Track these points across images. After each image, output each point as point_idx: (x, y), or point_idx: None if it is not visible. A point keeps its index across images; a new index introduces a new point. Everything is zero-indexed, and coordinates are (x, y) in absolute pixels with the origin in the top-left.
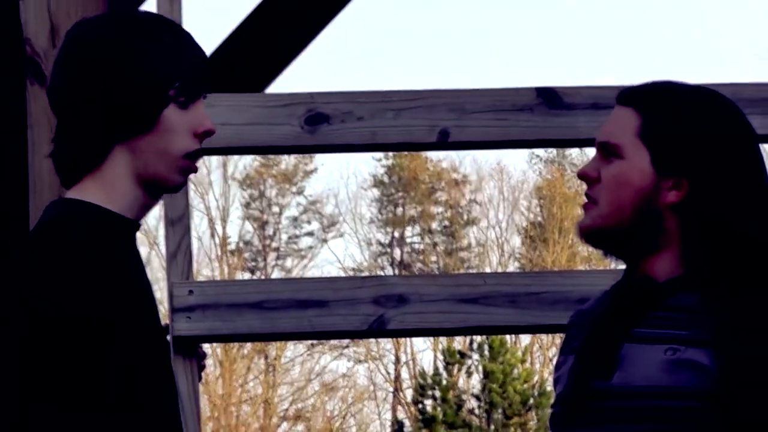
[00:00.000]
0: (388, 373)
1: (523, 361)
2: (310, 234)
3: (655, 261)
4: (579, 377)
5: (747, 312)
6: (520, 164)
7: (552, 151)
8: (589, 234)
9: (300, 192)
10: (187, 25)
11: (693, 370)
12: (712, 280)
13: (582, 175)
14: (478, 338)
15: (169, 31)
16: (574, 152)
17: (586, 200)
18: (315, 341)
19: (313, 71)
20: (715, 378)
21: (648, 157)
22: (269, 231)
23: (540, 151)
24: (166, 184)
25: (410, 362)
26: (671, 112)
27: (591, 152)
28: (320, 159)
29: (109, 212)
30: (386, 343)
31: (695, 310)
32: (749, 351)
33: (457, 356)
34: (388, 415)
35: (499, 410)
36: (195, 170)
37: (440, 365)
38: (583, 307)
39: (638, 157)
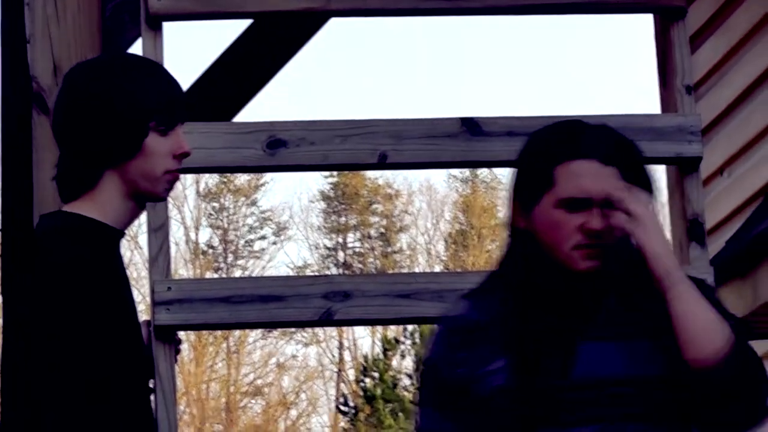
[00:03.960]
0: (333, 356)
1: None
2: (264, 238)
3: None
4: (537, 374)
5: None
6: (442, 182)
7: (466, 172)
8: (594, 274)
9: (253, 203)
10: (167, 64)
11: (643, 358)
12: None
13: (598, 231)
14: (410, 327)
15: (150, 70)
16: (484, 172)
17: (595, 248)
18: (272, 329)
19: (273, 103)
20: (661, 363)
21: None
22: (230, 237)
23: (456, 172)
24: (153, 196)
25: (352, 347)
26: (635, 167)
27: (501, 171)
28: (270, 176)
29: (99, 222)
30: (332, 331)
31: (636, 304)
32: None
33: (393, 342)
34: (333, 392)
35: None
36: (177, 179)
37: (378, 350)
38: (464, 313)
39: None
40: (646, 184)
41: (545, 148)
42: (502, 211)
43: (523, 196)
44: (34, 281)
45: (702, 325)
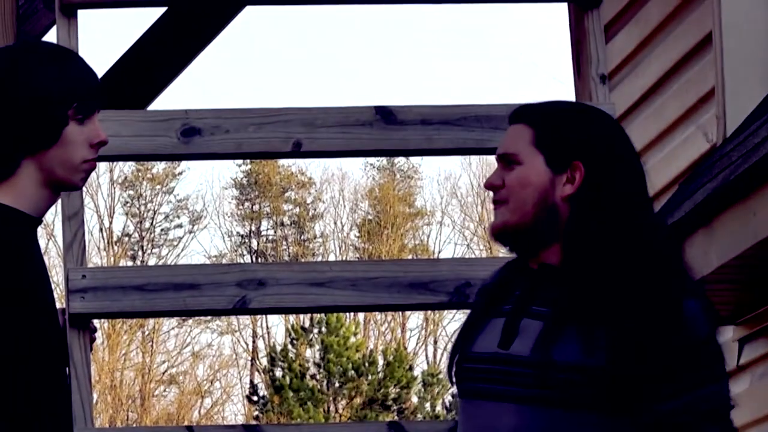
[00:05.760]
0: (247, 345)
1: (355, 334)
2: (180, 227)
3: (550, 251)
4: (482, 342)
5: (609, 294)
6: (358, 170)
7: (383, 160)
8: (500, 232)
9: (170, 192)
10: (82, 52)
11: (570, 345)
12: (589, 266)
13: (489, 185)
14: (317, 315)
15: (66, 59)
16: (401, 160)
17: (495, 204)
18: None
19: (187, 91)
20: (588, 352)
21: (543, 160)
22: (146, 225)
23: (373, 160)
24: (70, 185)
25: (265, 335)
26: (557, 121)
27: (417, 160)
28: (186, 165)
29: (16, 210)
30: (245, 319)
31: (577, 292)
32: (613, 330)
33: (301, 331)
34: (248, 380)
35: (336, 376)
36: (94, 168)
37: (285, 340)
38: (485, 283)
39: (534, 161)
40: (563, 149)
41: None
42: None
43: None
44: None
45: None
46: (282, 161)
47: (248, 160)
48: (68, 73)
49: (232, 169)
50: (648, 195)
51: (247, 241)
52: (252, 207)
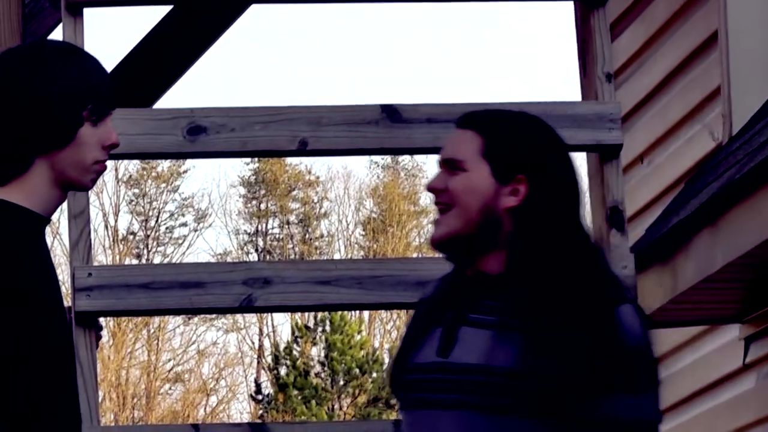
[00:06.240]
0: (253, 343)
1: (359, 332)
2: (185, 225)
3: (487, 259)
4: (422, 353)
5: (549, 301)
6: (363, 168)
7: (387, 158)
8: (444, 241)
9: (174, 190)
10: (88, 50)
11: (510, 352)
12: (531, 275)
13: (431, 188)
14: (320, 314)
15: (81, 59)
16: (405, 159)
17: (438, 207)
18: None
19: (193, 90)
20: (525, 359)
21: (488, 170)
22: (151, 223)
23: (378, 158)
24: (80, 185)
25: (271, 334)
26: (505, 133)
27: (422, 158)
28: (191, 163)
29: (25, 209)
30: (251, 317)
31: (516, 300)
32: (546, 335)
33: (305, 329)
34: (253, 378)
35: (340, 375)
36: (105, 169)
37: (290, 338)
38: (425, 294)
39: (480, 169)
40: (509, 162)
41: None
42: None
43: None
44: None
45: None
46: (289, 160)
47: (256, 159)
48: (85, 73)
49: (237, 168)
50: (579, 208)
51: (254, 239)
52: (259, 205)
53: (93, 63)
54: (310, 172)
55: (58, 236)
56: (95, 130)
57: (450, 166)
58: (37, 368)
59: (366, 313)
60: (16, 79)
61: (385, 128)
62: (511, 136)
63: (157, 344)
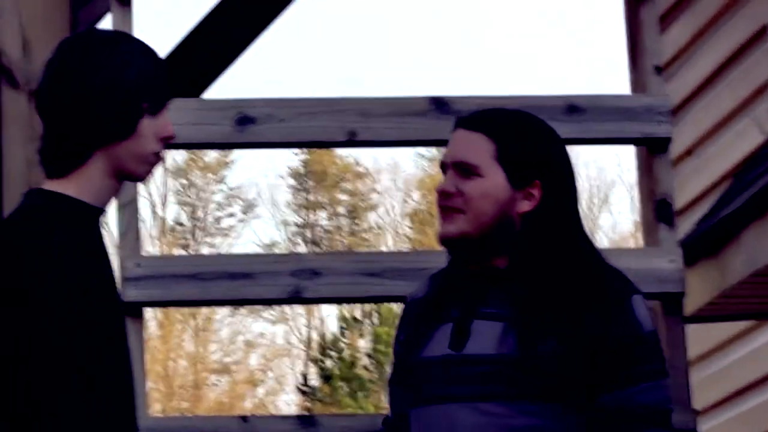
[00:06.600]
0: (301, 334)
1: None
2: (232, 215)
3: (496, 257)
4: (430, 348)
5: (558, 293)
6: (409, 161)
7: (434, 150)
8: (455, 240)
9: (221, 181)
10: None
11: (523, 342)
12: (542, 270)
13: (445, 192)
14: (367, 306)
15: (141, 50)
16: None
17: (447, 211)
18: (240, 307)
19: (242, 80)
20: (536, 348)
21: (504, 176)
22: (198, 214)
23: (424, 150)
24: (136, 177)
25: (319, 325)
26: (519, 139)
27: None
28: (238, 153)
29: (79, 201)
30: (299, 309)
31: (528, 292)
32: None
33: (351, 321)
34: (301, 370)
35: (386, 367)
36: (160, 161)
37: (336, 330)
38: (414, 295)
39: (496, 176)
40: (526, 168)
41: None
42: None
43: None
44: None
45: None
46: (338, 151)
47: (304, 150)
48: (144, 65)
49: (286, 159)
50: (579, 205)
51: (302, 231)
52: (307, 197)
53: (150, 53)
54: (358, 164)
55: (105, 226)
56: (154, 121)
57: (462, 169)
58: (37, 368)
59: None
60: (77, 70)
61: (434, 120)
62: (523, 140)
63: (205, 335)
